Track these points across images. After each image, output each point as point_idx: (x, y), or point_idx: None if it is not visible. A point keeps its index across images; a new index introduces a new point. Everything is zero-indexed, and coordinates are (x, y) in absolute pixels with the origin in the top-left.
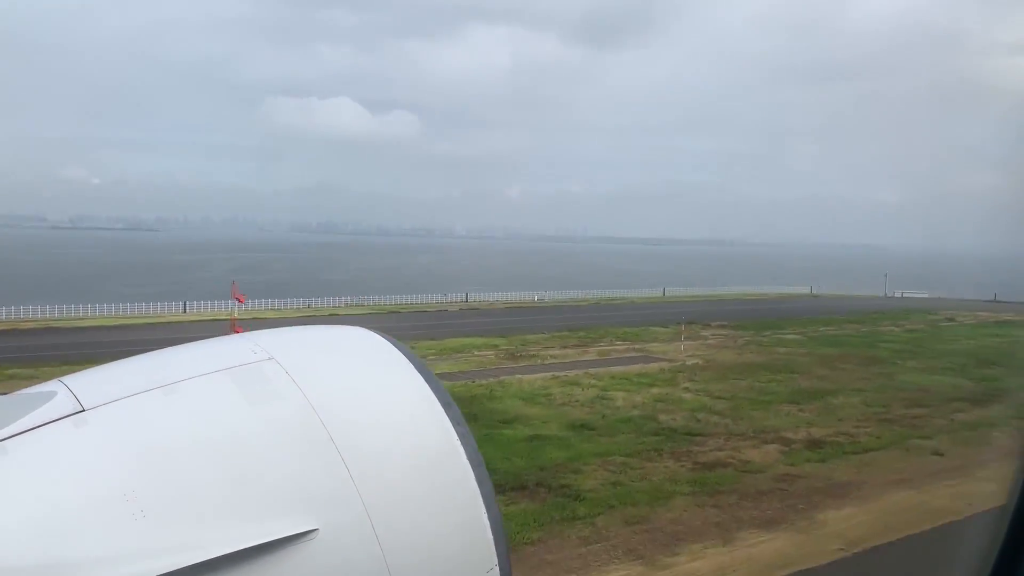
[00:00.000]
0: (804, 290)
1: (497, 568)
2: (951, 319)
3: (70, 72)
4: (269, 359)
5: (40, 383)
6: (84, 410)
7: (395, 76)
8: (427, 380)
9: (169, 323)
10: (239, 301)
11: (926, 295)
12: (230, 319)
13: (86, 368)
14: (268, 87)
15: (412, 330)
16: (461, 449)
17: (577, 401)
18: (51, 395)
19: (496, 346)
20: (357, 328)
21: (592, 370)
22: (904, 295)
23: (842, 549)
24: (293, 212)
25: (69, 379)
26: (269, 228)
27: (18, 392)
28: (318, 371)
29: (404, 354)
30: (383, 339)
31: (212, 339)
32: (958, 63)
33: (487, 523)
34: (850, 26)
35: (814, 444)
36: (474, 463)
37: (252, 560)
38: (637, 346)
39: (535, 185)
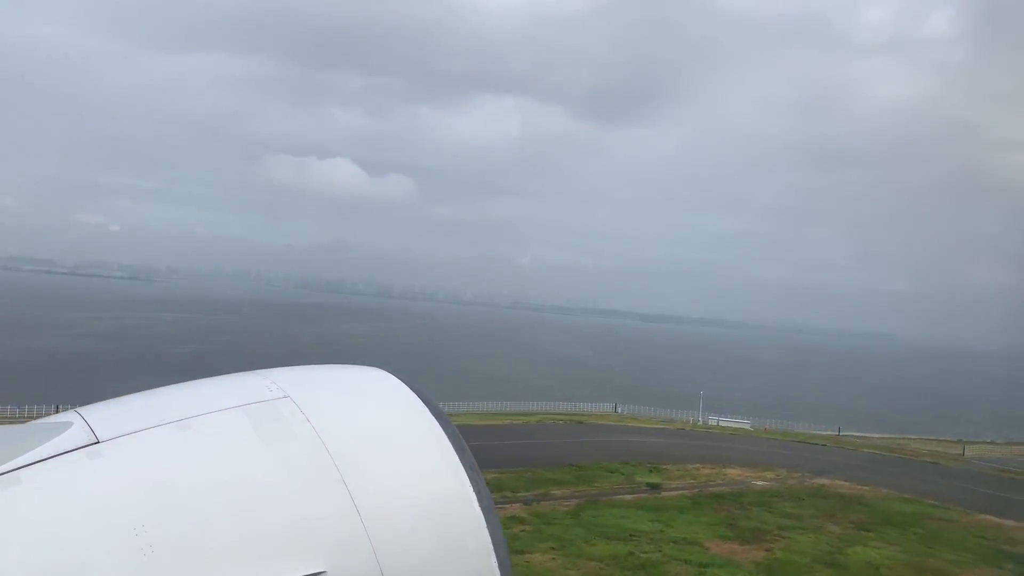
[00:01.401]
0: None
1: None
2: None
3: (91, 121)
4: (285, 397)
5: (57, 413)
6: (99, 442)
7: (409, 139)
8: (443, 425)
9: None
10: None
11: (748, 424)
12: None
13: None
14: (281, 144)
15: None
16: (474, 497)
17: None
18: (67, 425)
19: None
20: (375, 369)
21: None
22: (721, 422)
23: None
24: (304, 268)
25: (85, 410)
26: (277, 283)
27: (35, 422)
28: (334, 412)
29: (421, 398)
30: (400, 382)
31: (229, 375)
32: (971, 156)
33: (497, 573)
34: (863, 113)
35: None
36: (487, 511)
37: None
38: None
39: (543, 253)
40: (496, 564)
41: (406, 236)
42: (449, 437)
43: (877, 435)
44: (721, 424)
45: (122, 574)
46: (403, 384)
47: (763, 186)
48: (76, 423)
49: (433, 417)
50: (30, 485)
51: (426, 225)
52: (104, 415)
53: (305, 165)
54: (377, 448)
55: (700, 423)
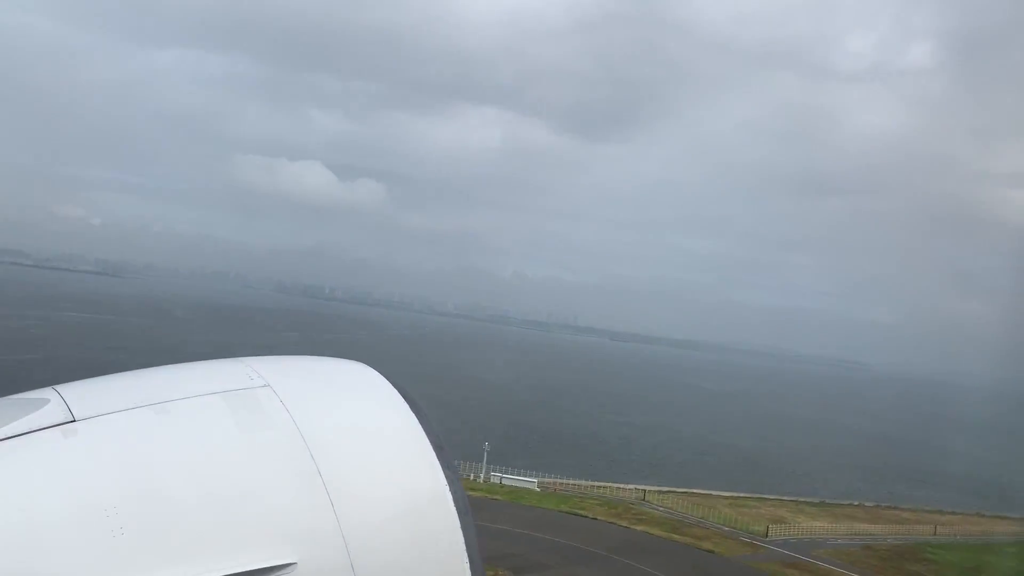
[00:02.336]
0: None
1: None
2: None
3: (70, 113)
4: (265, 386)
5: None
6: (75, 420)
7: (385, 145)
8: (421, 421)
9: None
10: None
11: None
12: None
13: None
14: (262, 146)
15: None
16: (449, 495)
17: None
18: (43, 402)
19: None
20: (356, 363)
21: None
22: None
23: None
24: (285, 272)
25: (63, 388)
26: (256, 286)
27: (10, 397)
28: (313, 403)
29: (402, 394)
30: (381, 377)
31: (209, 361)
32: (951, 188)
33: (468, 574)
34: (843, 140)
35: None
36: (461, 512)
37: None
38: None
39: (524, 267)
40: (468, 565)
41: (382, 243)
42: (428, 435)
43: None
44: (504, 482)
45: (91, 555)
46: (384, 379)
47: (744, 209)
48: (53, 400)
49: (413, 414)
50: (2, 460)
51: (400, 232)
52: (81, 393)
53: (277, 167)
54: (355, 441)
55: (481, 481)
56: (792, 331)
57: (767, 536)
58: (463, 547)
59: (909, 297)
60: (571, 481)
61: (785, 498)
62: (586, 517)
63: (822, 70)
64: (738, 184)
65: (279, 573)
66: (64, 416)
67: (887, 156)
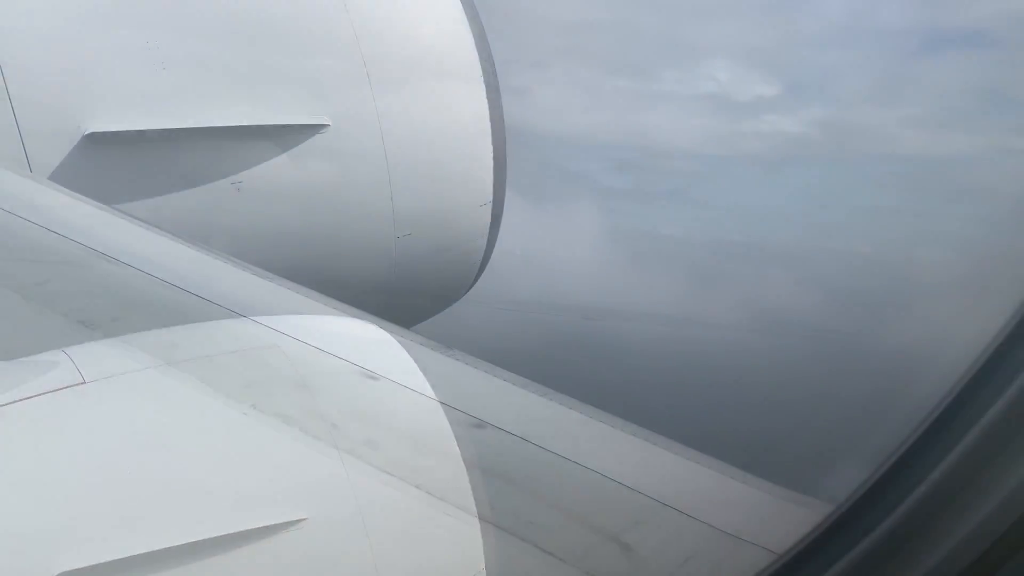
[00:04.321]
0: None
1: (490, 205)
2: None
3: None
4: (274, 346)
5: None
6: (85, 382)
7: None
8: (466, 8)
9: None
10: None
11: None
12: None
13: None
14: None
15: None
16: (483, 86)
17: None
18: (52, 364)
19: None
20: (374, 328)
21: None
22: None
23: None
24: None
25: (72, 350)
26: None
27: (16, 360)
28: (324, 366)
29: (407, 341)
30: (392, 338)
31: (219, 321)
32: None
33: (491, 164)
34: None
35: None
36: (493, 103)
37: (262, 140)
38: None
39: None
40: (492, 158)
41: None
42: (470, 20)
43: None
44: None
45: (132, 84)
46: (394, 339)
47: None
48: (62, 362)
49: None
50: (12, 425)
51: None
52: (91, 353)
53: None
54: (397, 13)
55: None
56: None
57: None
58: (490, 138)
59: None
60: None
61: None
62: None
63: None
64: None
65: (312, 132)
66: (74, 378)
67: None
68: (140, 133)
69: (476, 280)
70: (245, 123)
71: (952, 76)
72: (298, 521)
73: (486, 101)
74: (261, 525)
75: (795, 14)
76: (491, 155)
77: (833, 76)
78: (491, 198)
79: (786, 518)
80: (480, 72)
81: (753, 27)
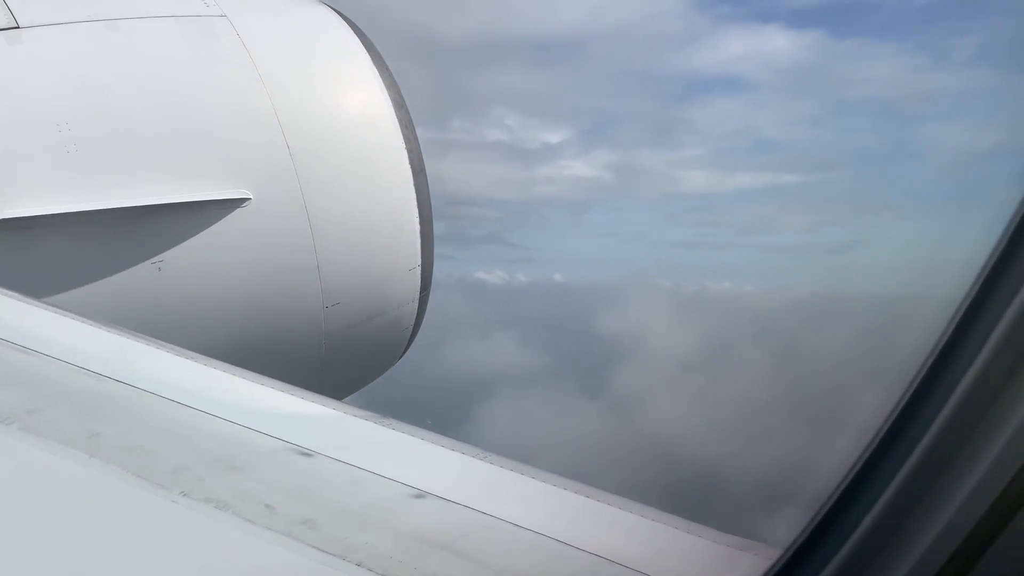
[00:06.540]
0: None
1: (419, 269)
2: None
3: None
4: (222, 16)
5: None
6: (19, 27)
7: None
8: (383, 78)
9: None
10: None
11: None
12: None
13: None
14: None
15: None
16: (404, 151)
17: None
18: None
19: None
20: (324, 8)
21: None
22: None
23: None
24: None
25: None
26: None
27: None
28: (273, 43)
29: (365, 45)
30: (348, 26)
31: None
32: None
33: (417, 227)
34: None
35: None
36: (416, 169)
37: (182, 217)
38: None
39: None
40: (418, 220)
41: None
42: (389, 91)
43: None
44: None
45: (44, 169)
46: (351, 29)
47: None
48: None
49: (375, 67)
50: None
51: None
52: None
53: None
54: (315, 86)
55: None
56: None
57: None
58: (414, 202)
59: None
60: None
61: None
62: None
63: None
64: None
65: (233, 207)
66: (7, 21)
67: None
68: (55, 216)
69: (409, 345)
70: (163, 201)
71: (717, 119)
72: (242, 200)
73: (409, 167)
74: (206, 198)
75: (568, 64)
76: (417, 219)
77: (613, 122)
78: (420, 262)
79: (735, 566)
80: (401, 138)
81: (529, 77)
